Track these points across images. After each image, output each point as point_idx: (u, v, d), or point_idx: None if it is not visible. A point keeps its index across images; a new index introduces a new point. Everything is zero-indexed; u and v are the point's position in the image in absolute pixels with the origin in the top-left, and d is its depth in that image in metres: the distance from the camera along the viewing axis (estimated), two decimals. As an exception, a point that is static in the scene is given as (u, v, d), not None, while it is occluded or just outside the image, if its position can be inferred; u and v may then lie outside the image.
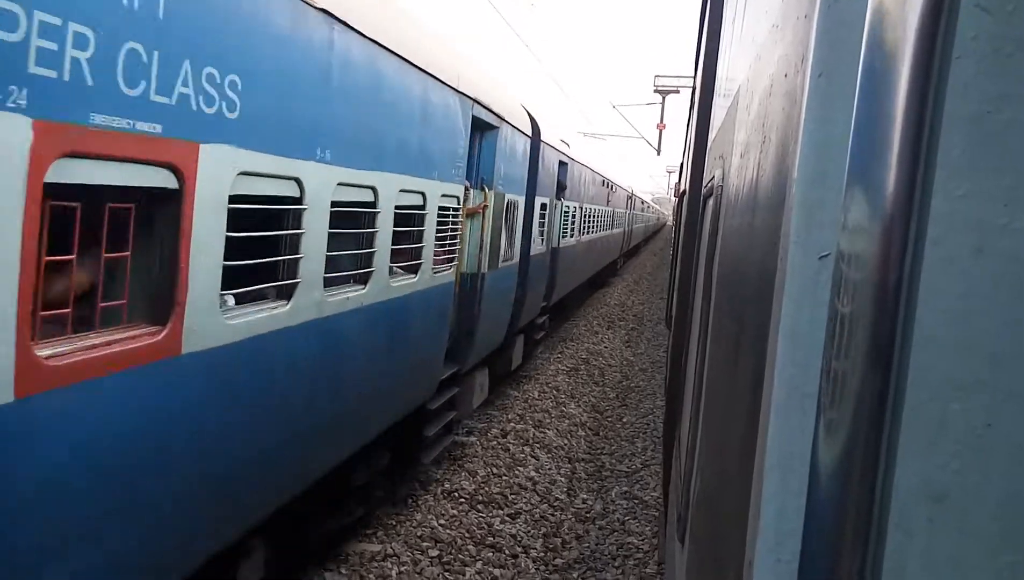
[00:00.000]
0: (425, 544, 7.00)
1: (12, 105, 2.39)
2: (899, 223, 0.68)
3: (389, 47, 5.26)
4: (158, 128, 3.03)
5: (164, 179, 3.16)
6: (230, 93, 3.49)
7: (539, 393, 12.52)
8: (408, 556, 6.73)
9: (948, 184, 0.87)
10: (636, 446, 10.62)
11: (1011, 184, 0.86)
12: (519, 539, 7.35)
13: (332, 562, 6.50)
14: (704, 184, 3.93)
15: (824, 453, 0.70)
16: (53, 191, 2.62)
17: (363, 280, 5.27)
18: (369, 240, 5.32)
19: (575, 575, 6.83)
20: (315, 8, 4.23)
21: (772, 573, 0.96)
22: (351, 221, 5.08)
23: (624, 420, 11.89)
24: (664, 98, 36.24)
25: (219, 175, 3.45)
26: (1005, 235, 0.86)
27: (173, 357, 3.32)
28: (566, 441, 10.44)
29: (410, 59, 5.69)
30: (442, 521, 7.48)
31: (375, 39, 5.03)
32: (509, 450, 9.66)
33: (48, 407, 2.69)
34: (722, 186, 2.57)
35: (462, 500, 8.03)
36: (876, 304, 0.68)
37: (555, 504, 8.30)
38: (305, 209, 4.28)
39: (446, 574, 6.55)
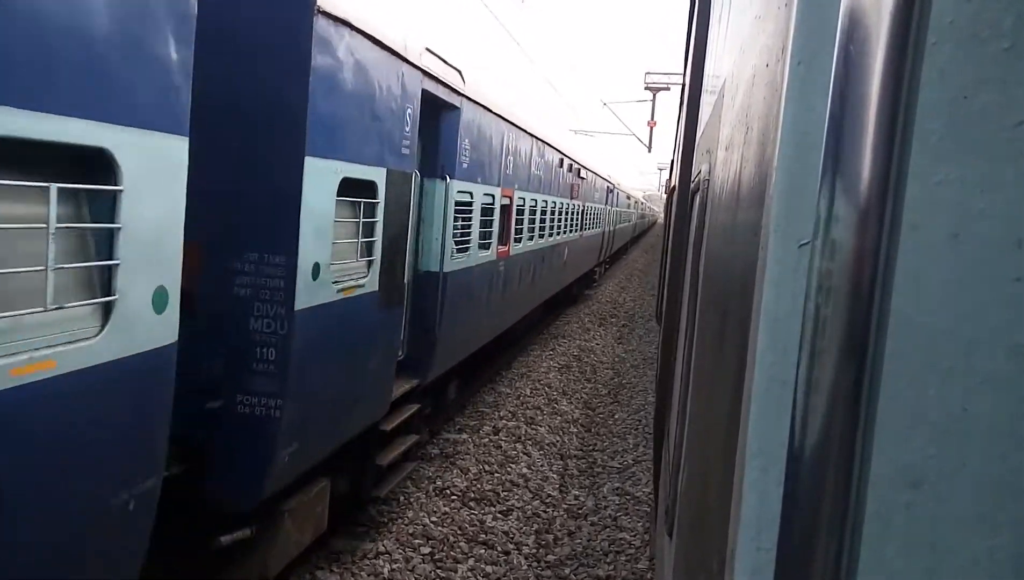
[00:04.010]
0: (417, 541, 6.99)
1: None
2: (876, 209, 0.68)
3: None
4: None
5: None
6: None
7: (531, 390, 12.53)
8: (400, 553, 6.73)
9: (925, 170, 0.87)
10: (628, 442, 10.65)
11: (988, 169, 0.86)
12: (511, 536, 7.35)
13: (323, 560, 6.49)
14: (692, 179, 3.94)
15: (802, 441, 0.70)
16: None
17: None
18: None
19: (567, 571, 6.84)
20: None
21: (753, 561, 0.96)
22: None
23: (616, 417, 11.92)
24: (655, 95, 36.28)
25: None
26: (982, 220, 0.86)
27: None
28: (558, 438, 10.45)
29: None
30: (434, 518, 7.47)
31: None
32: (501, 447, 9.66)
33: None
34: (708, 180, 2.57)
35: (454, 497, 8.03)
36: (853, 290, 0.68)
37: (547, 501, 8.31)
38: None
39: (438, 571, 6.54)
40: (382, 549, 6.76)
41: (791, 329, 0.93)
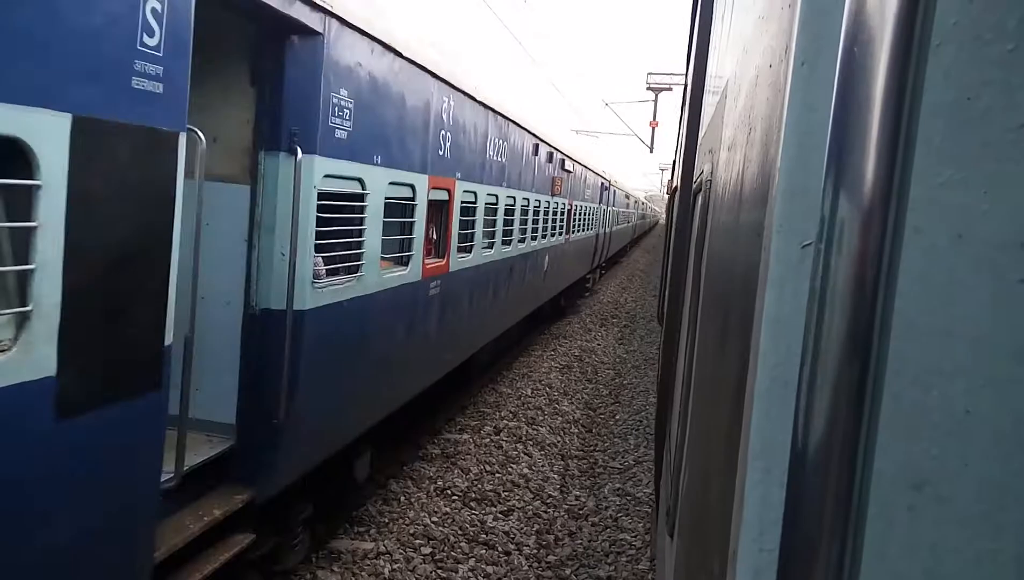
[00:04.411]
0: (418, 542, 7.00)
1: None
2: (879, 211, 0.68)
3: None
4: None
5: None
6: None
7: (532, 390, 12.53)
8: (400, 554, 6.73)
9: (928, 171, 0.87)
10: (629, 443, 10.65)
11: (991, 171, 0.86)
12: (512, 536, 7.35)
13: (324, 560, 6.50)
14: (694, 180, 3.94)
15: (804, 442, 0.70)
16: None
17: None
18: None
19: (568, 572, 6.84)
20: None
21: (755, 563, 0.96)
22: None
23: (617, 417, 11.91)
24: (657, 96, 36.23)
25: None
26: (985, 222, 0.86)
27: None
28: (559, 438, 10.45)
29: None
30: (435, 519, 7.48)
31: None
32: (502, 447, 9.67)
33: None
34: (711, 181, 2.57)
35: (455, 497, 8.03)
36: (856, 292, 0.68)
37: (548, 501, 8.31)
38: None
39: (439, 571, 6.55)
40: (383, 549, 6.76)
41: (794, 330, 0.93)
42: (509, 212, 11.29)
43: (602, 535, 7.65)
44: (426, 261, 7.46)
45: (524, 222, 12.55)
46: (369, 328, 6.22)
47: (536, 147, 12.83)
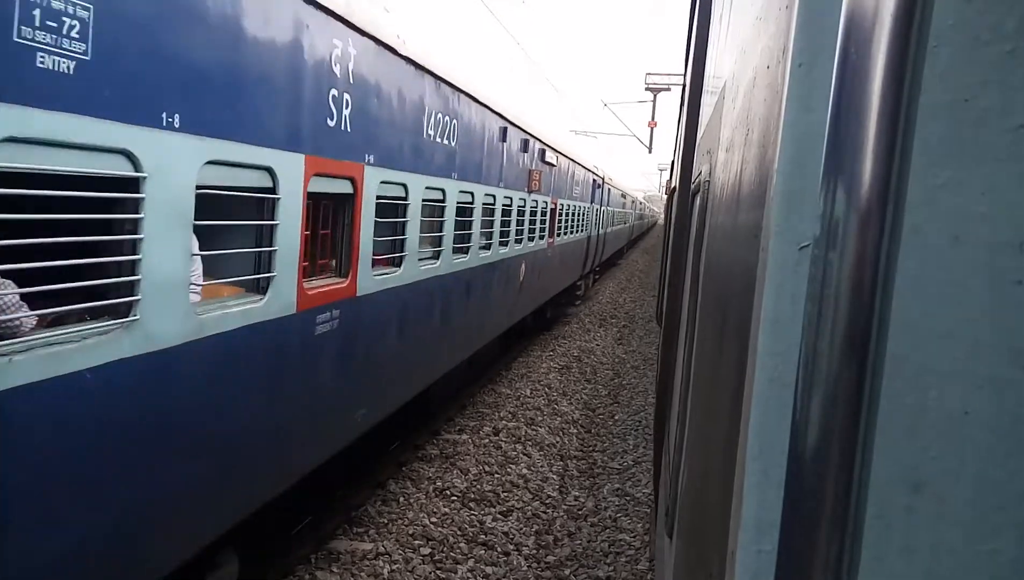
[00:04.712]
0: (417, 542, 6.99)
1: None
2: (877, 212, 0.68)
3: None
4: None
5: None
6: None
7: (531, 391, 12.53)
8: (400, 554, 6.73)
9: (926, 173, 0.87)
10: (628, 443, 10.65)
11: (989, 172, 0.86)
12: (511, 537, 7.35)
13: (323, 561, 6.49)
14: (692, 180, 3.94)
15: (802, 443, 0.70)
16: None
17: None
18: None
19: (567, 572, 6.84)
20: None
21: (754, 564, 0.96)
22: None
23: (616, 417, 11.92)
24: (655, 96, 36.26)
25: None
26: (983, 223, 0.86)
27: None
28: (558, 439, 10.45)
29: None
30: (434, 519, 7.47)
31: None
32: (501, 448, 9.67)
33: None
34: (708, 181, 2.57)
35: (454, 498, 8.03)
36: (854, 293, 0.68)
37: (547, 502, 8.31)
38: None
39: (438, 572, 6.54)
40: (382, 550, 6.76)
41: (792, 331, 0.93)
42: (464, 212, 8.96)
43: (601, 535, 7.65)
44: (307, 284, 5.15)
45: (489, 224, 10.22)
46: (178, 402, 3.86)
47: (504, 131, 10.37)
